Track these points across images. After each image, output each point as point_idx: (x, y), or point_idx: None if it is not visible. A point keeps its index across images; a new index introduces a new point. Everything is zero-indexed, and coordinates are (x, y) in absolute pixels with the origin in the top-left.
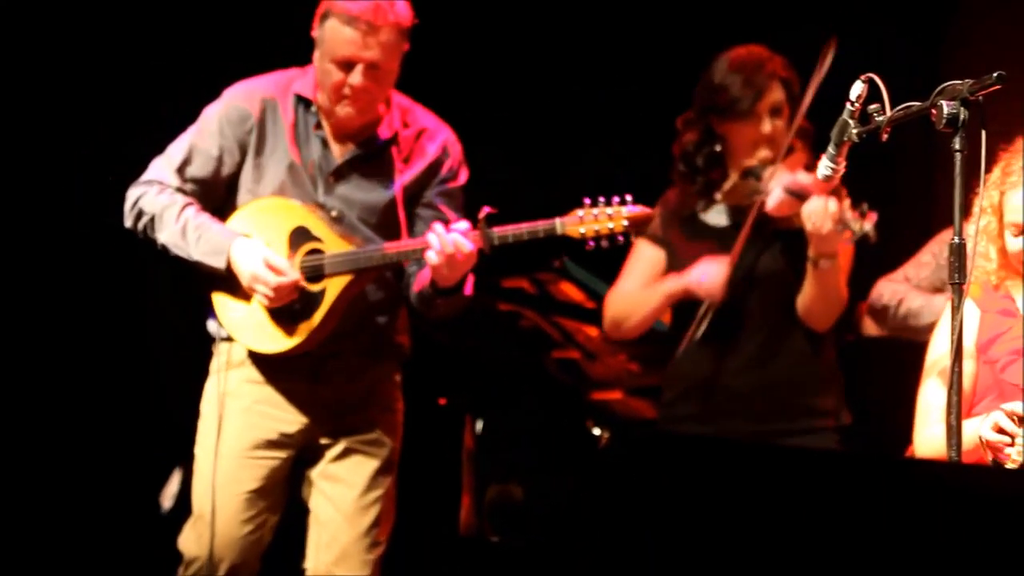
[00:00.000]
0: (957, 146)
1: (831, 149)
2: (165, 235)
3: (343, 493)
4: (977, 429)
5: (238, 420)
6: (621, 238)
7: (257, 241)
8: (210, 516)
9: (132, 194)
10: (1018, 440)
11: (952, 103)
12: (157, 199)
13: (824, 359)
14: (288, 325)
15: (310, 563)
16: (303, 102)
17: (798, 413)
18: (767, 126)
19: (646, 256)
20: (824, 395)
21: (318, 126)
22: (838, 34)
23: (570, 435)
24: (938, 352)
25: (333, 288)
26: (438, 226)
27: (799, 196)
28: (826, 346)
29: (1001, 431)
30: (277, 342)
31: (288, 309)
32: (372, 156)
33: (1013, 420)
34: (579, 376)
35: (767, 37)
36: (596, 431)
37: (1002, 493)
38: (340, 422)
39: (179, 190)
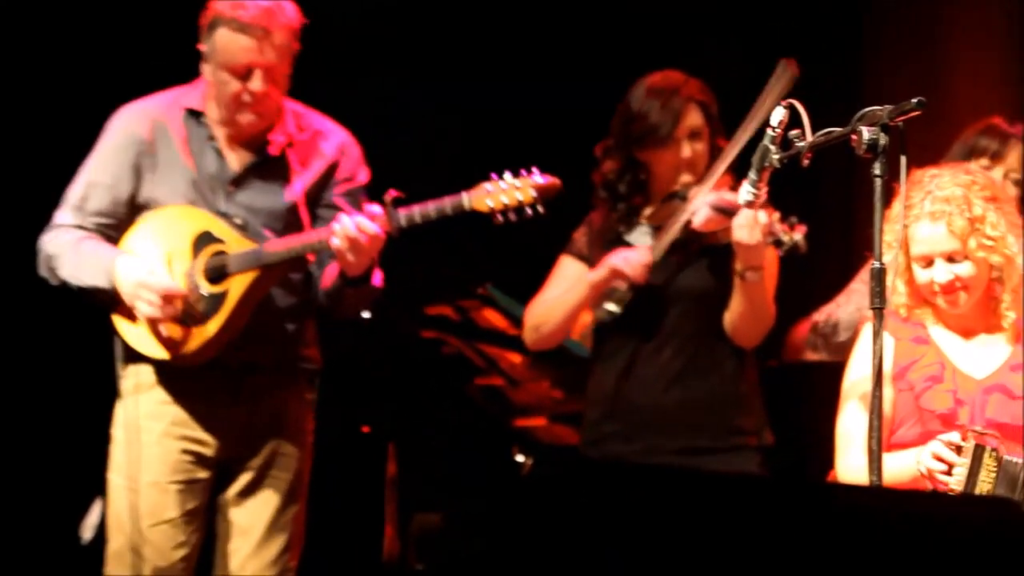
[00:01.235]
0: (877, 171)
1: (752, 174)
2: (65, 270)
3: (252, 519)
4: (914, 460)
5: (156, 447)
6: (530, 210)
7: (140, 259)
8: (140, 547)
9: (40, 243)
10: (956, 469)
11: (872, 129)
12: (58, 240)
13: (747, 379)
14: (190, 329)
15: None
16: (193, 116)
17: (721, 431)
18: (687, 151)
19: (570, 271)
20: (747, 414)
21: (211, 138)
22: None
23: (494, 462)
24: (854, 378)
25: (237, 287)
26: (342, 214)
27: (726, 212)
28: (749, 366)
29: (940, 459)
30: (181, 347)
31: (190, 315)
32: (269, 162)
33: (951, 449)
34: (503, 403)
35: (684, 61)
36: (520, 458)
37: (926, 517)
38: (252, 444)
39: (80, 227)
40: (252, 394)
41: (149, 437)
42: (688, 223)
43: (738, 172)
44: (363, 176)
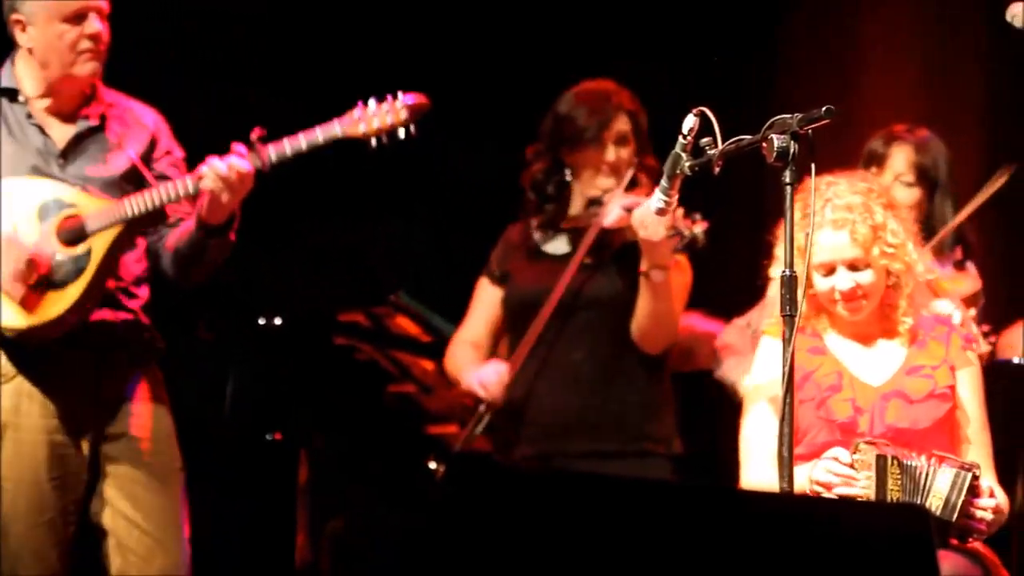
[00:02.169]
0: (787, 179)
1: (664, 182)
2: None
3: (148, 513)
4: (805, 477)
5: (25, 443)
6: (402, 132)
7: None
8: (19, 551)
9: None
10: (861, 482)
11: (782, 137)
12: None
13: (657, 386)
14: (46, 295)
15: None
16: (6, 95)
17: (630, 437)
18: (611, 154)
19: (487, 296)
20: (657, 422)
21: (29, 115)
22: (675, 67)
23: (407, 469)
24: (752, 390)
25: (100, 246)
26: (211, 157)
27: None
28: (660, 373)
29: (837, 474)
30: (41, 315)
31: (48, 281)
32: (92, 132)
33: (844, 465)
34: (415, 410)
35: (609, 71)
36: (433, 465)
37: (835, 524)
38: (120, 430)
39: None
40: (116, 371)
41: (23, 434)
42: (601, 226)
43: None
44: (179, 151)
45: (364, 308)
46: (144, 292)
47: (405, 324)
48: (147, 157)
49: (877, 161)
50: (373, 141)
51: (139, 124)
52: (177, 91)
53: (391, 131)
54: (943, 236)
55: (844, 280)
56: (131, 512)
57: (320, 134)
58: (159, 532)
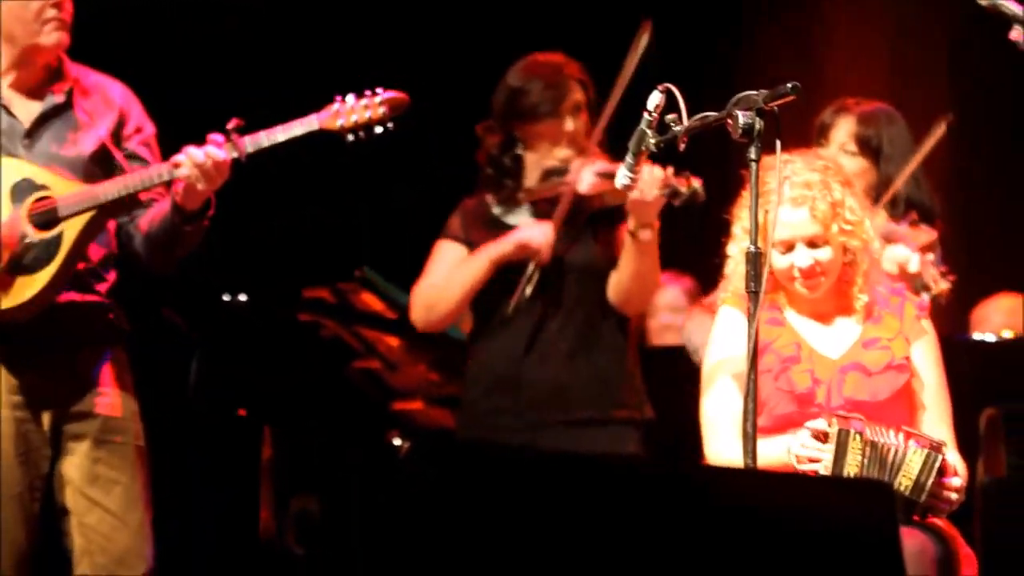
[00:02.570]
0: (753, 156)
1: (629, 158)
2: None
3: (108, 491)
4: (785, 450)
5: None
6: (380, 128)
7: None
8: None
9: None
10: (824, 455)
11: (747, 113)
12: None
13: (629, 352)
14: (27, 276)
15: (84, 568)
16: None
17: (606, 404)
18: (569, 124)
19: (450, 253)
20: (630, 389)
21: None
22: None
23: (371, 445)
24: (713, 363)
25: (72, 229)
26: (188, 147)
27: (611, 176)
28: (631, 339)
29: (809, 449)
30: (16, 295)
31: (18, 264)
32: (59, 110)
33: (820, 437)
34: (380, 386)
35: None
36: (397, 441)
37: (800, 500)
38: (83, 409)
39: None
40: (75, 355)
41: None
42: (575, 192)
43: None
44: (150, 127)
45: (329, 284)
46: (112, 274)
47: (370, 300)
48: (116, 135)
49: (823, 132)
50: (350, 136)
51: (107, 100)
52: (158, 82)
53: (368, 126)
54: (894, 191)
55: (803, 257)
56: (92, 491)
57: (297, 127)
58: (121, 511)
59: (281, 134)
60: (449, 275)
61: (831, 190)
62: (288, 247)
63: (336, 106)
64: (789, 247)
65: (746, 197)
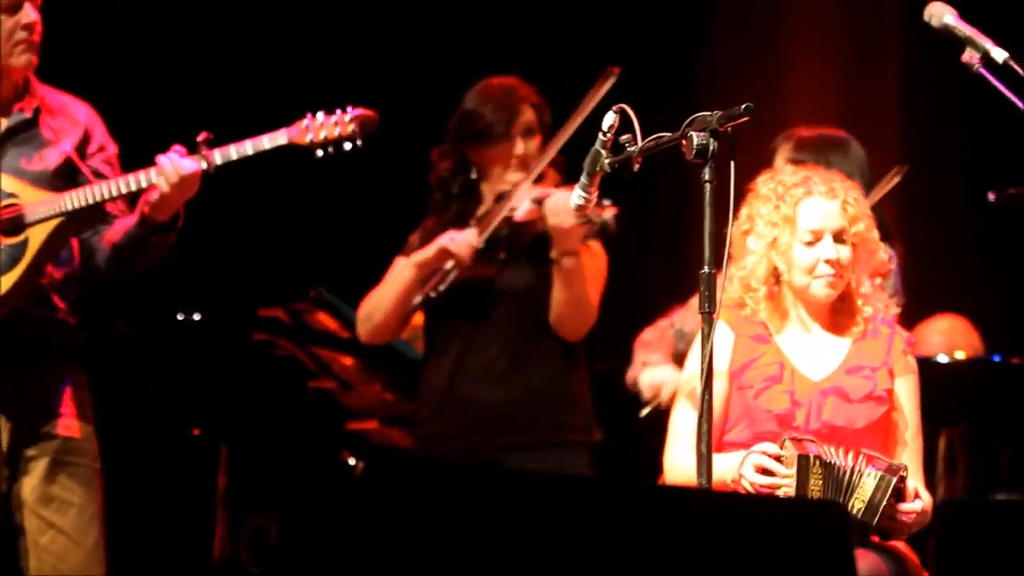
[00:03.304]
0: (707, 177)
1: (584, 179)
2: None
3: (63, 512)
4: (734, 468)
5: None
6: (348, 145)
7: None
8: None
9: None
10: (785, 481)
11: (702, 134)
12: None
13: (575, 375)
14: None
15: None
16: None
17: (549, 427)
18: (520, 147)
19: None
20: (575, 411)
21: None
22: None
23: (326, 465)
24: (690, 375)
25: (37, 237)
26: (160, 156)
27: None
28: (578, 363)
29: (766, 471)
30: None
31: None
32: (27, 126)
33: (772, 459)
34: (335, 406)
35: (520, 70)
36: (351, 461)
37: (753, 520)
38: (42, 429)
39: None
40: (34, 373)
41: None
42: (510, 217)
43: (571, 178)
44: (113, 147)
45: (284, 304)
46: (73, 293)
47: (325, 320)
48: (81, 152)
49: (771, 156)
50: (319, 152)
51: (72, 119)
52: (128, 94)
53: (338, 143)
54: None
55: (830, 249)
56: (47, 512)
57: (266, 141)
58: (75, 532)
59: (250, 147)
60: (384, 285)
61: (856, 191)
62: (243, 266)
63: (306, 122)
64: (817, 238)
65: (756, 204)
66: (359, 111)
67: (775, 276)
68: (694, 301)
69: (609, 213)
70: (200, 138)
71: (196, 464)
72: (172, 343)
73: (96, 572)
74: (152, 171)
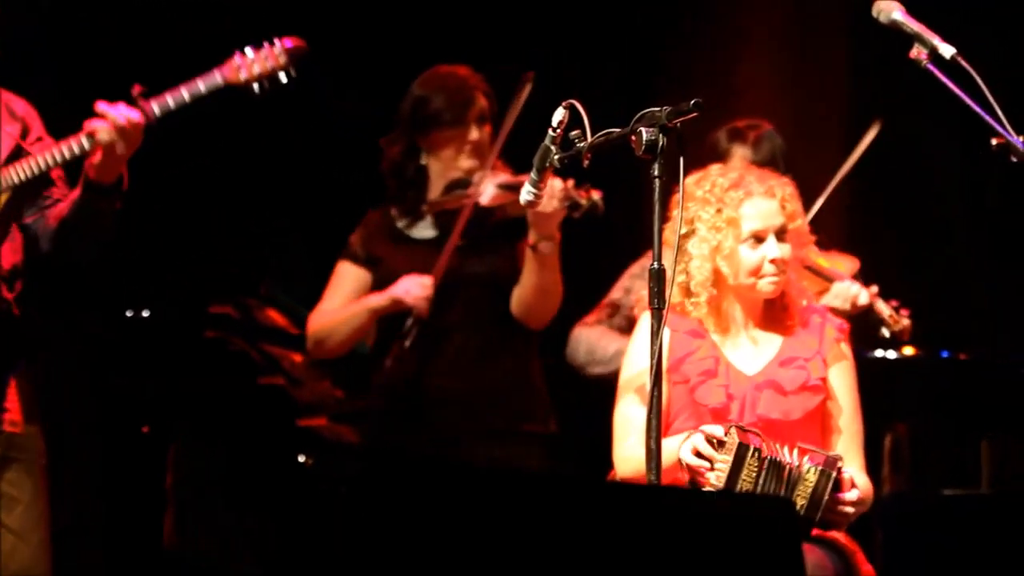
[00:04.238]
0: (656, 172)
1: (533, 175)
2: None
3: (10, 510)
4: (676, 450)
5: None
6: (283, 76)
7: None
8: None
9: None
10: (718, 464)
11: (651, 130)
12: None
13: (534, 364)
14: None
15: None
16: None
17: (510, 418)
18: (475, 133)
19: (349, 276)
20: (535, 401)
21: None
22: (541, 67)
23: (276, 461)
24: (631, 370)
25: None
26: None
27: (513, 189)
28: (535, 351)
29: (700, 455)
30: None
31: None
32: None
33: (712, 444)
34: (285, 402)
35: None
36: (302, 457)
37: (701, 515)
38: None
39: None
40: None
41: None
42: (476, 204)
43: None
44: (49, 140)
45: (234, 300)
46: (19, 284)
47: (274, 316)
48: (20, 147)
49: (720, 156)
50: (256, 87)
51: (10, 111)
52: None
53: (272, 76)
54: (831, 192)
55: (775, 248)
56: (6, 516)
57: (202, 84)
58: (22, 529)
59: (186, 93)
60: (337, 317)
61: (790, 187)
62: (192, 262)
63: (237, 60)
64: (761, 238)
65: (693, 207)
66: (288, 42)
67: (717, 279)
68: (643, 262)
69: (596, 195)
70: (135, 91)
71: (146, 462)
72: (121, 340)
73: (42, 569)
74: (97, 124)
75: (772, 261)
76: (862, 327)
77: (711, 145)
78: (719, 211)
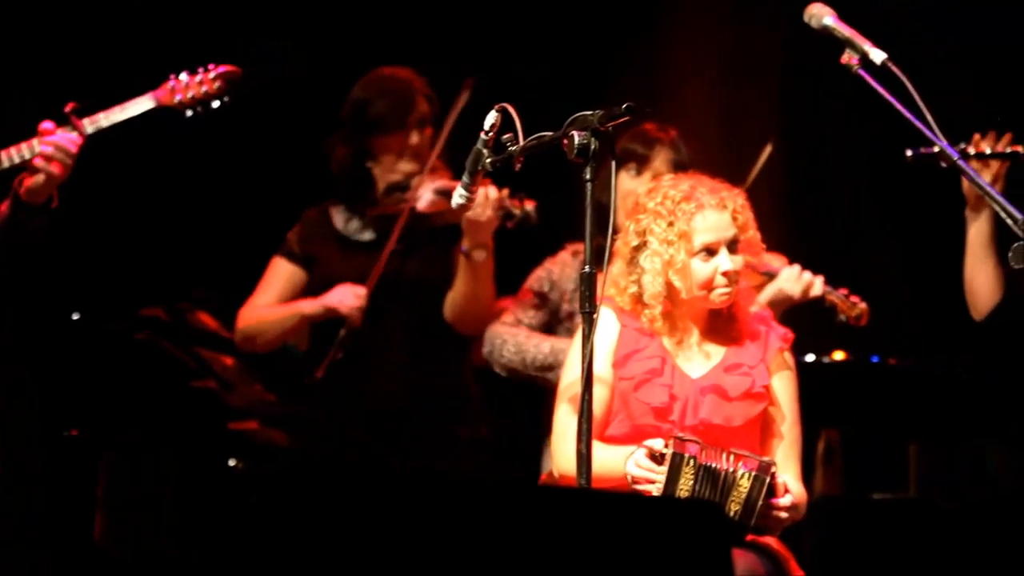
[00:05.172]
0: (588, 176)
1: (465, 178)
2: None
3: None
4: (622, 463)
5: None
6: (217, 102)
7: None
8: None
9: None
10: (656, 476)
11: (583, 133)
12: None
13: (467, 369)
14: None
15: None
16: None
17: (441, 421)
18: (415, 138)
19: (284, 273)
20: (468, 406)
21: None
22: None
23: (207, 465)
24: (573, 374)
25: None
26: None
27: (450, 195)
28: (468, 357)
29: (642, 468)
30: None
31: None
32: None
33: (654, 458)
34: (216, 406)
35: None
36: (232, 461)
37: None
38: None
39: None
40: None
41: None
42: (412, 210)
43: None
44: None
45: (165, 303)
46: None
47: (206, 319)
48: None
49: (639, 160)
50: (188, 112)
51: None
52: None
53: (205, 101)
54: None
55: (727, 260)
56: None
57: (134, 106)
58: None
59: (119, 113)
60: (268, 316)
61: (741, 197)
62: (123, 266)
63: (171, 83)
64: (713, 251)
65: (645, 220)
66: (222, 68)
67: (670, 292)
68: (562, 256)
69: (530, 206)
70: (68, 108)
71: (76, 465)
72: (51, 343)
73: None
74: (23, 146)
75: (724, 273)
76: (813, 317)
77: (625, 154)
78: (671, 224)
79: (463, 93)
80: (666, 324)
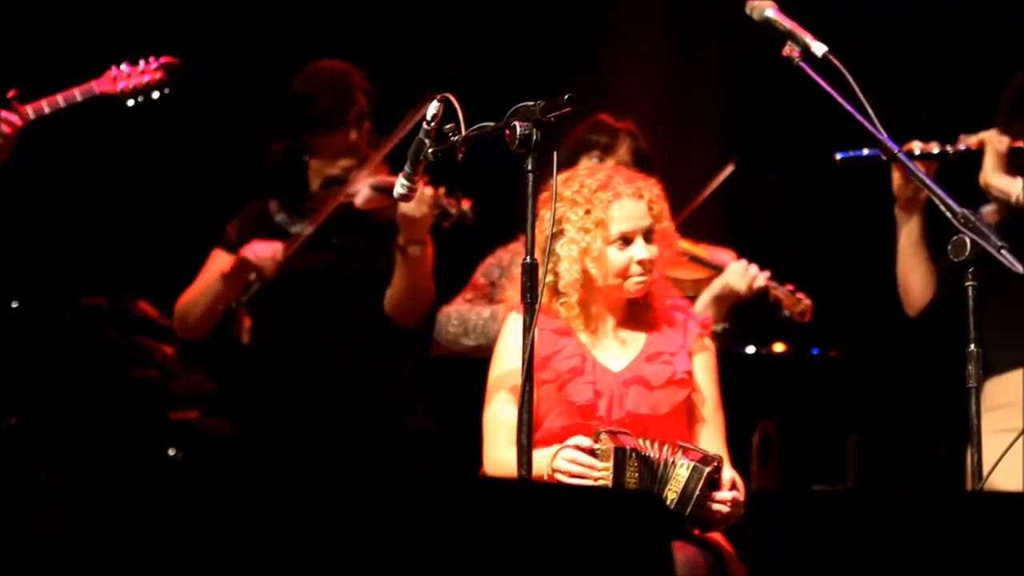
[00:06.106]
0: (530, 167)
1: (408, 168)
2: None
3: None
4: (547, 464)
5: None
6: (157, 93)
7: None
8: None
9: None
10: (600, 473)
11: (525, 124)
12: None
13: (408, 363)
14: None
15: None
16: None
17: (389, 416)
18: (353, 134)
19: (222, 264)
20: (412, 399)
21: None
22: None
23: (147, 455)
24: (500, 369)
25: None
26: None
27: (387, 191)
28: (409, 351)
29: (577, 463)
30: None
31: None
32: None
33: (593, 454)
34: (157, 395)
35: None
36: (172, 450)
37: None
38: None
39: None
40: None
41: None
42: (348, 204)
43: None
44: None
45: (107, 292)
46: None
47: (147, 308)
48: None
49: (602, 149)
50: (130, 101)
51: None
52: None
53: (146, 91)
54: (685, 217)
55: (642, 249)
56: None
57: (77, 94)
58: None
59: (62, 100)
60: (195, 291)
61: (657, 188)
62: (64, 253)
63: (113, 72)
64: (629, 240)
65: (562, 208)
66: (162, 59)
67: (586, 280)
68: (513, 246)
69: (466, 205)
70: (10, 95)
71: (13, 454)
72: None
73: None
74: None
75: (639, 262)
76: (757, 312)
77: (586, 144)
78: (587, 212)
79: (425, 105)
80: (582, 315)
